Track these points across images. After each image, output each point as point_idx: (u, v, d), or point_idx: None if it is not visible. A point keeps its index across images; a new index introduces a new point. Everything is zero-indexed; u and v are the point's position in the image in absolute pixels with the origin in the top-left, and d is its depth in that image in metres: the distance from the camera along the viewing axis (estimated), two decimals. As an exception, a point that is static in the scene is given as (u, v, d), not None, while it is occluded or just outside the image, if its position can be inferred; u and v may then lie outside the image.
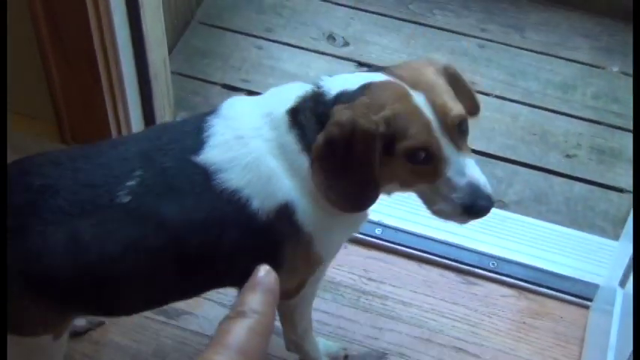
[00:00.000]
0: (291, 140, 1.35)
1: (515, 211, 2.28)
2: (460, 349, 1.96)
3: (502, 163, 2.44)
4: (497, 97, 2.64)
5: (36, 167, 1.36)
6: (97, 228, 1.30)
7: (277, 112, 1.37)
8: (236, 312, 0.61)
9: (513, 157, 2.46)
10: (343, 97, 1.33)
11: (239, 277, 1.53)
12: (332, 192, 1.34)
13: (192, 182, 1.33)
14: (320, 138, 1.31)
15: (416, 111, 1.29)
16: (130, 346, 1.92)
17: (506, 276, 2.10)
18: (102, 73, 1.97)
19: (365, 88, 1.32)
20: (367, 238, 2.14)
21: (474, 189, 1.33)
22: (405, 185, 1.40)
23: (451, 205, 1.35)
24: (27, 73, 2.02)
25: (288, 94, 1.39)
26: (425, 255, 2.12)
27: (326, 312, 2.00)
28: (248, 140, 1.35)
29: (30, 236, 1.29)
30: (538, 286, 2.09)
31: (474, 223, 2.16)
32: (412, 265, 2.11)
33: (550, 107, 2.62)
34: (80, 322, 1.89)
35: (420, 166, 1.32)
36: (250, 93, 2.49)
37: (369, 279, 2.08)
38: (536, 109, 2.61)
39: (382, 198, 2.35)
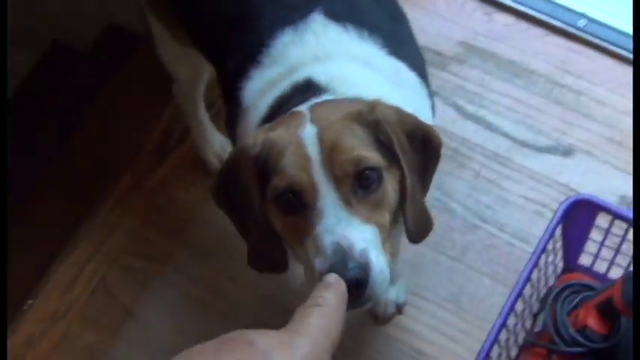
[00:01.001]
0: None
1: None
2: (653, 157, 1.87)
3: None
4: None
5: None
6: None
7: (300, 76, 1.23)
8: (313, 302, 0.73)
9: None
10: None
11: None
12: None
13: None
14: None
15: (297, 141, 1.05)
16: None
17: None
18: None
19: (287, 115, 1.15)
20: (569, 28, 2.01)
21: (338, 252, 0.98)
22: (290, 248, 1.13)
23: (309, 272, 1.03)
24: None
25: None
26: (629, 55, 1.98)
27: (516, 99, 1.93)
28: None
29: None
30: None
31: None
32: (613, 64, 1.98)
33: None
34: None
35: (290, 217, 1.05)
36: None
37: (566, 71, 1.97)
38: None
39: None
